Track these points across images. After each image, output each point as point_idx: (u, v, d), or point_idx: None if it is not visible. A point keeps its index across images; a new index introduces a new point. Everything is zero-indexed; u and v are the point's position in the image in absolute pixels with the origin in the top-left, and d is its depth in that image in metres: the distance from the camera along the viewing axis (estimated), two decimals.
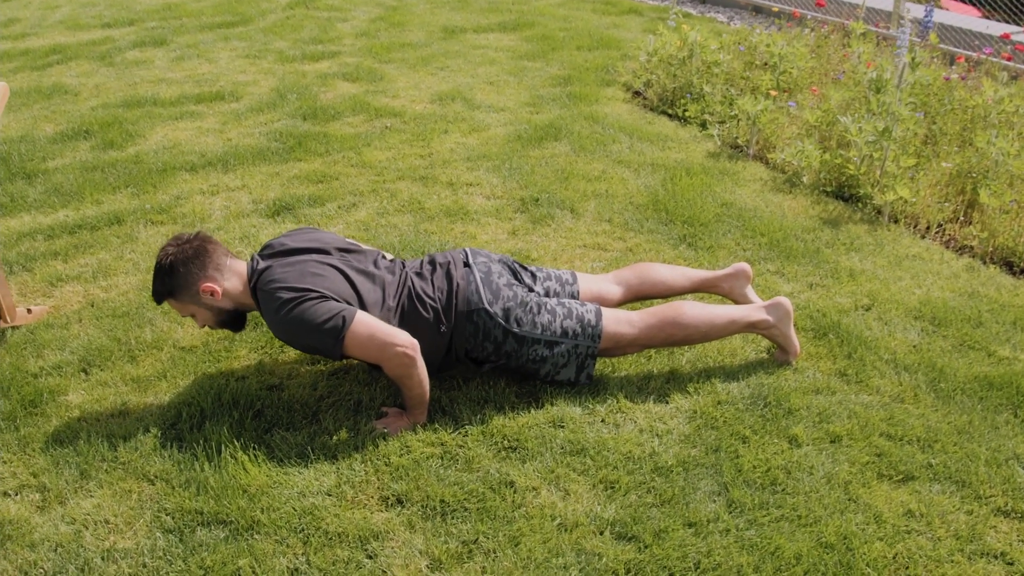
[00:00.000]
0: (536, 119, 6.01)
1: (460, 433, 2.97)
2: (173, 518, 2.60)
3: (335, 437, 2.93)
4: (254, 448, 2.84)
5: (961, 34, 7.75)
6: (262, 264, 2.99)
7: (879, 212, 4.71)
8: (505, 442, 2.93)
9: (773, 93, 5.94)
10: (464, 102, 6.34)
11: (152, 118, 5.83)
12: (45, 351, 3.42)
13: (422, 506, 2.66)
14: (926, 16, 6.10)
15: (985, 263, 4.24)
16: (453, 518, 2.62)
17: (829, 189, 4.98)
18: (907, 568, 2.49)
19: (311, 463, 2.81)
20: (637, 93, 6.72)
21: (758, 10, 9.35)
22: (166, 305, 3.67)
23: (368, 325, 2.84)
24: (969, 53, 7.10)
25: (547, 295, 3.28)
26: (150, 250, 4.13)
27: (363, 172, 5.08)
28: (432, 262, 3.19)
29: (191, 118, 5.91)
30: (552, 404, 3.11)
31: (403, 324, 3.01)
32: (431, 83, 6.78)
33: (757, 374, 3.31)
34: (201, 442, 2.86)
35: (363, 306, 2.96)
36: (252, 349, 3.42)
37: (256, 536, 2.54)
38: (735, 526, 2.62)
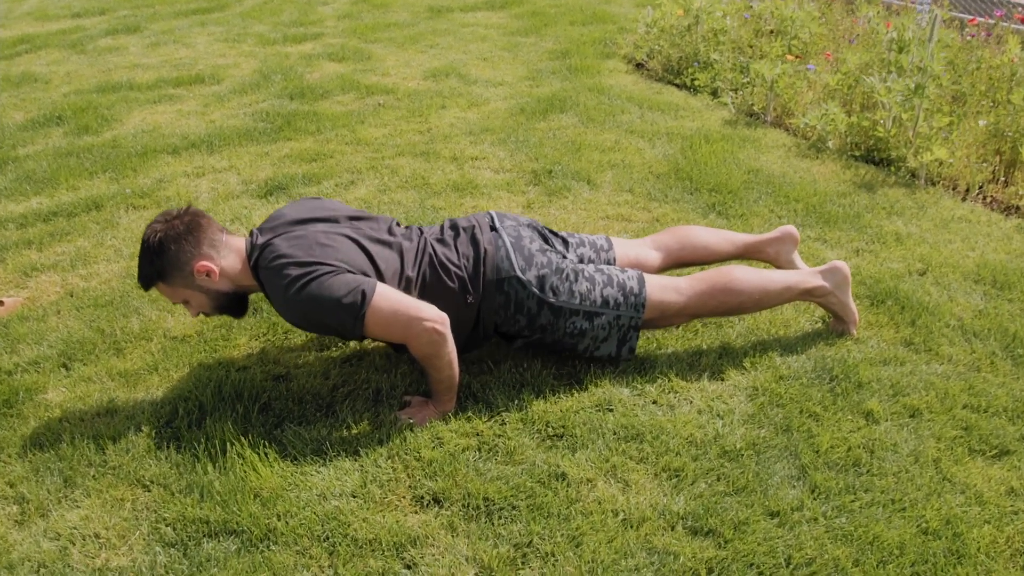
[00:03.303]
0: (537, 92, 5.67)
1: (497, 421, 2.62)
2: (174, 529, 2.23)
3: (355, 431, 2.58)
4: (264, 446, 2.49)
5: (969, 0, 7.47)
6: (263, 239, 2.62)
7: (914, 175, 4.40)
8: (549, 429, 2.59)
9: (789, 58, 5.62)
10: (459, 78, 5.99)
11: (128, 102, 5.44)
12: (20, 346, 3.04)
13: (463, 505, 2.32)
14: None
15: None
16: (500, 518, 2.28)
17: (857, 154, 4.67)
18: (1022, 553, 2.17)
19: (330, 461, 2.46)
20: (639, 65, 6.39)
21: None
22: (155, 292, 3.30)
23: (391, 299, 2.48)
24: (980, 19, 6.81)
25: (581, 262, 2.94)
26: (133, 235, 3.76)
27: (359, 149, 4.72)
28: (454, 227, 2.82)
29: (170, 101, 5.53)
30: (596, 385, 2.77)
31: (425, 296, 2.65)
32: (422, 60, 6.43)
33: (817, 345, 2.98)
34: (202, 441, 2.50)
35: (380, 278, 2.60)
36: (253, 336, 3.06)
37: (273, 547, 2.18)
38: (822, 514, 2.29)
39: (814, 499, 2.34)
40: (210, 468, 2.39)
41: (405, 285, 2.64)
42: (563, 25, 7.41)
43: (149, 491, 2.36)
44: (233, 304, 2.69)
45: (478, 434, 2.57)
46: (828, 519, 2.28)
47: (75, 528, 2.25)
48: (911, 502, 2.33)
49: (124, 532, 2.24)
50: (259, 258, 2.57)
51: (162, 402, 2.70)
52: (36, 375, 2.87)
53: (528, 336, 2.79)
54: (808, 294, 2.99)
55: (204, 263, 2.58)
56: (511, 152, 4.65)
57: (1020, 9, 6.75)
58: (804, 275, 3.00)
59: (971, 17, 6.57)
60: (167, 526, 2.24)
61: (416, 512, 2.31)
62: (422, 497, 2.35)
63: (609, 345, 2.82)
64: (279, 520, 2.24)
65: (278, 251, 2.54)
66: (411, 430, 2.56)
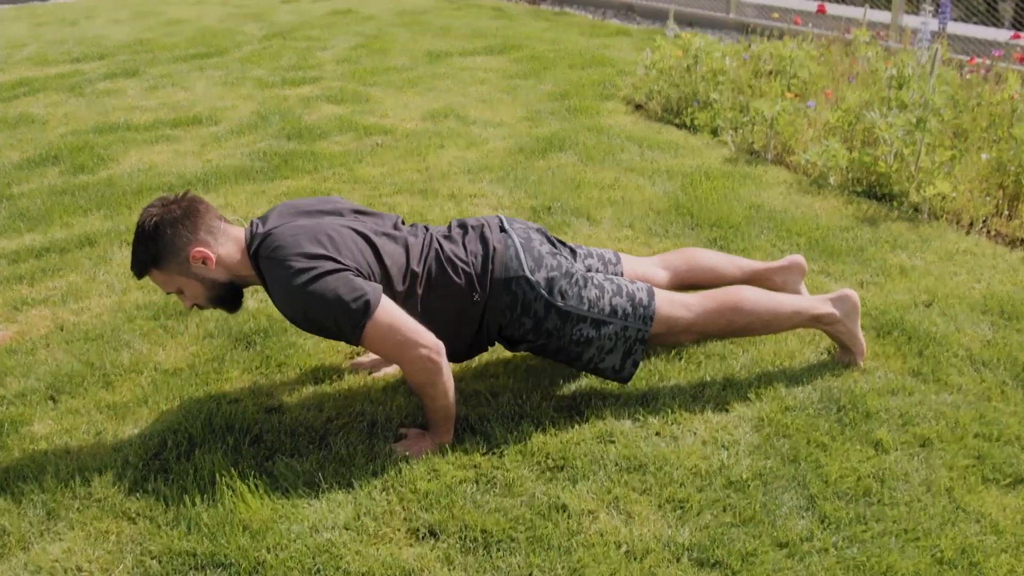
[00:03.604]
0: (536, 132, 5.64)
1: (495, 453, 2.55)
2: (160, 562, 2.15)
3: (349, 463, 2.50)
4: (254, 477, 2.41)
5: (967, 42, 7.50)
6: (264, 228, 2.53)
7: (917, 209, 4.35)
8: (549, 461, 2.51)
9: (788, 95, 5.61)
10: (457, 119, 5.97)
11: (125, 143, 5.42)
12: (7, 379, 2.96)
13: (460, 538, 2.23)
14: (942, 10, 5.81)
15: None
16: (499, 550, 2.20)
17: (859, 189, 4.63)
18: None
19: (323, 493, 2.37)
20: (639, 106, 6.38)
21: (745, 28, 9.09)
22: (147, 326, 3.23)
23: (391, 315, 2.41)
24: (979, 60, 6.83)
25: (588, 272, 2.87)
26: (126, 271, 3.70)
27: (357, 187, 4.68)
28: (463, 225, 2.76)
29: (167, 141, 5.51)
30: (597, 417, 2.70)
31: (430, 292, 2.58)
32: (420, 103, 6.42)
33: (823, 376, 2.92)
34: (191, 473, 2.42)
35: (386, 273, 2.52)
36: (245, 370, 2.99)
37: None
38: (833, 544, 2.20)
39: (824, 529, 2.26)
40: (198, 500, 2.31)
41: (411, 280, 2.56)
42: (562, 69, 7.42)
43: (135, 523, 2.28)
44: (228, 296, 2.59)
45: (475, 466, 2.49)
46: (839, 549, 2.19)
47: (56, 561, 2.17)
48: (924, 531, 2.24)
49: (107, 565, 2.15)
50: (260, 247, 2.48)
51: (150, 434, 2.62)
52: (22, 407, 2.80)
53: (532, 341, 2.71)
54: (817, 320, 2.93)
55: (200, 249, 2.49)
56: (510, 190, 4.61)
57: (1019, 49, 6.77)
58: (814, 301, 2.94)
59: (970, 57, 6.58)
60: (152, 559, 2.16)
61: (411, 545, 2.23)
62: (417, 529, 2.26)
63: (614, 357, 2.75)
64: (268, 553, 2.15)
65: (281, 241, 2.45)
66: (407, 462, 2.49)
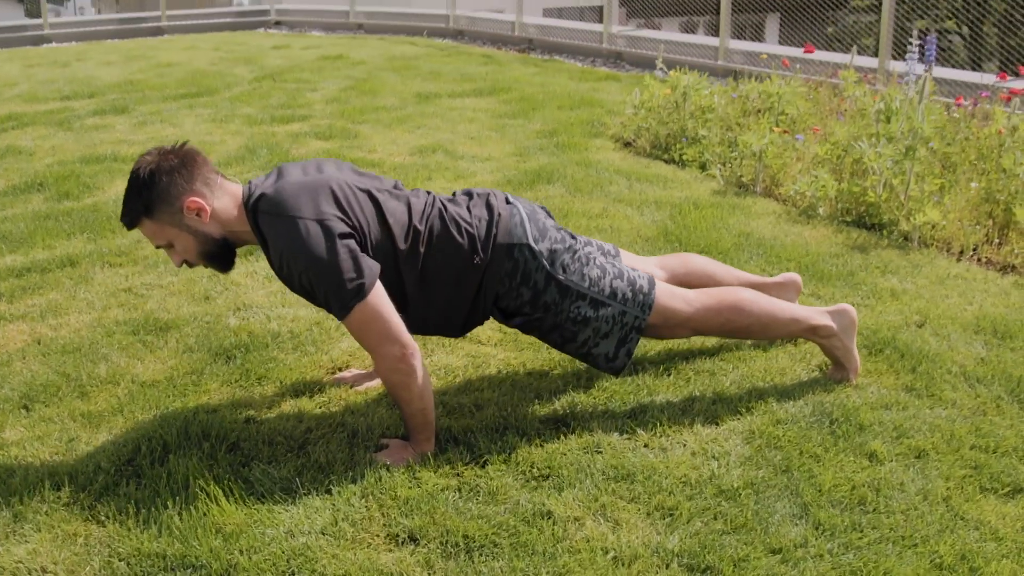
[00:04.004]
0: (524, 166, 5.63)
1: (478, 463, 2.48)
2: (128, 564, 2.06)
3: (328, 470, 2.42)
4: (229, 482, 2.33)
5: (953, 85, 7.56)
6: (265, 183, 2.46)
7: (907, 238, 4.33)
8: (534, 471, 2.44)
9: (776, 130, 5.62)
10: (446, 154, 5.96)
11: (112, 172, 5.38)
12: None
13: (441, 543, 2.15)
14: (928, 46, 5.84)
15: None
16: (481, 555, 2.12)
17: (849, 219, 4.61)
18: None
19: (300, 499, 2.30)
20: (627, 144, 6.38)
21: (734, 74, 9.17)
22: (125, 340, 3.16)
23: (380, 305, 2.37)
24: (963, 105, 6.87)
25: None
26: (107, 290, 3.64)
27: None
28: (468, 193, 2.71)
29: None
30: (584, 429, 2.63)
31: (431, 252, 2.52)
32: (409, 139, 6.42)
33: (814, 392, 2.86)
34: (164, 477, 2.34)
35: (388, 230, 2.45)
36: (224, 383, 2.92)
37: None
38: (828, 551, 2.13)
39: (819, 536, 2.19)
40: (170, 503, 2.23)
41: (413, 238, 2.50)
42: (551, 109, 7.44)
43: (103, 526, 2.19)
44: (220, 253, 2.50)
45: (458, 475, 2.42)
46: (834, 556, 2.12)
47: (20, 562, 2.07)
48: (922, 538, 2.18)
49: (74, 567, 2.06)
50: (259, 202, 2.40)
51: (124, 441, 2.54)
52: None
53: (528, 315, 2.64)
54: (813, 331, 2.88)
55: (196, 199, 2.41)
56: None
57: (1005, 90, 6.81)
58: (812, 312, 2.90)
59: (957, 96, 6.62)
60: (121, 560, 2.07)
61: (391, 550, 2.14)
62: (397, 535, 2.18)
63: (609, 343, 2.69)
64: (242, 555, 2.07)
65: (283, 197, 2.37)
66: (387, 470, 2.41)
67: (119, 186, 5.12)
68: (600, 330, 2.66)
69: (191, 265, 2.54)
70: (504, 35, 12.06)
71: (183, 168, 2.42)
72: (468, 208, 2.62)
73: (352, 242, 2.36)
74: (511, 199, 2.71)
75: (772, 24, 16.78)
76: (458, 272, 2.55)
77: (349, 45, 11.89)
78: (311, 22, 14.64)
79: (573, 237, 2.80)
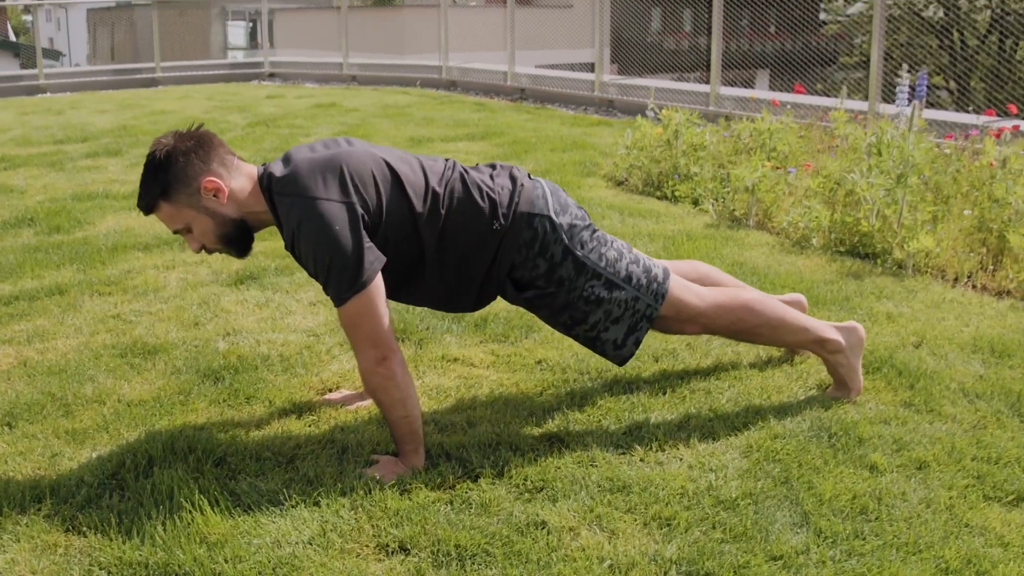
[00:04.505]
0: None
1: (471, 477, 2.42)
2: (109, 573, 2.00)
3: (316, 483, 2.36)
4: (215, 493, 2.27)
5: (942, 125, 7.61)
6: (280, 163, 2.44)
7: (901, 266, 4.31)
8: (528, 483, 2.39)
9: (768, 164, 5.63)
10: None
11: (103, 208, 5.36)
12: None
13: (432, 552, 2.10)
14: (919, 83, 5.89)
15: None
16: (474, 563, 2.06)
17: (842, 249, 4.60)
18: None
19: (287, 510, 2.24)
20: (620, 182, 6.39)
21: (726, 118, 9.23)
22: (113, 363, 3.11)
23: (372, 305, 2.35)
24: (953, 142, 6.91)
25: None
26: (96, 317, 3.60)
27: None
28: (491, 165, 2.69)
29: None
30: (579, 444, 2.58)
31: (452, 215, 2.49)
32: None
33: (812, 408, 2.82)
34: (148, 489, 2.28)
35: (405, 196, 2.44)
36: (212, 402, 2.87)
37: None
38: (830, 558, 2.08)
39: (820, 544, 2.13)
40: (154, 513, 2.17)
41: (432, 201, 2.47)
42: (544, 151, 7.47)
43: (85, 537, 2.12)
44: (238, 236, 2.47)
45: (451, 488, 2.37)
46: (837, 562, 2.06)
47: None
48: (927, 544, 2.12)
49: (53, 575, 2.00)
50: (275, 182, 2.39)
51: (108, 456, 2.49)
52: None
53: (542, 288, 2.60)
54: (821, 344, 2.84)
55: (213, 179, 2.39)
56: None
57: (995, 128, 6.86)
58: (822, 324, 2.87)
59: (948, 133, 6.65)
60: (101, 569, 2.00)
61: (380, 560, 2.08)
62: (387, 545, 2.12)
63: (619, 329, 2.65)
64: (226, 564, 2.01)
65: (298, 177, 2.36)
66: (377, 484, 2.35)
67: (110, 221, 5.11)
68: (611, 313, 2.62)
69: (209, 251, 2.52)
70: (497, 85, 12.16)
71: (199, 149, 2.40)
72: (491, 176, 2.60)
73: (360, 229, 2.34)
74: (533, 177, 2.70)
75: (762, 80, 16.96)
76: (477, 236, 2.51)
77: (343, 95, 11.98)
78: (305, 74, 14.77)
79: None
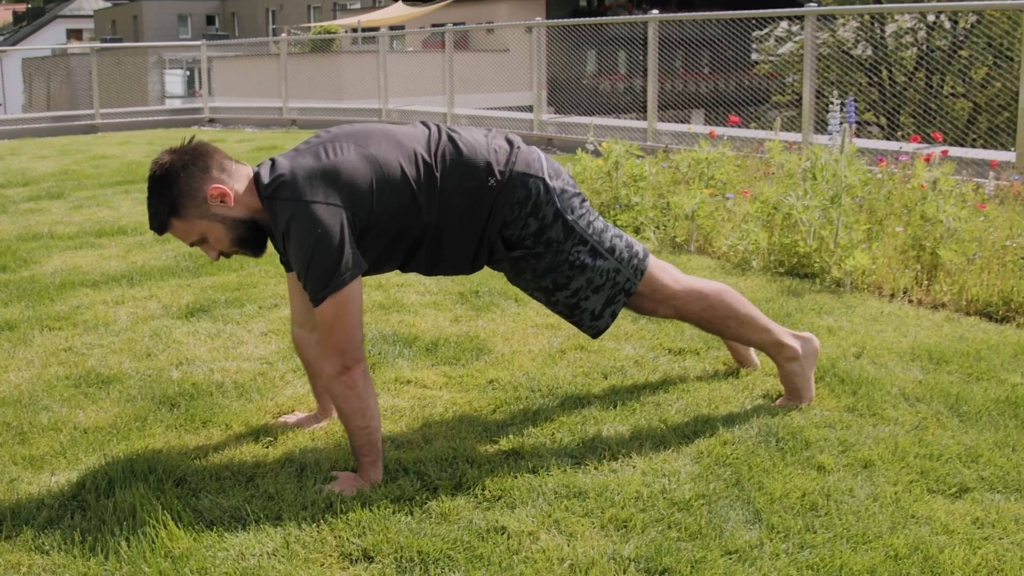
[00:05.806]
0: None
1: (429, 490, 2.46)
2: None
3: (278, 499, 2.39)
4: (177, 509, 2.28)
5: (875, 153, 7.85)
6: (272, 166, 2.47)
7: (839, 284, 4.45)
8: (486, 493, 2.43)
9: (707, 191, 5.77)
10: None
11: (49, 249, 5.33)
12: None
13: (396, 559, 2.13)
14: (848, 108, 6.10)
15: (961, 316, 3.98)
16: (438, 567, 2.09)
17: (782, 270, 4.74)
18: (1000, 571, 2.05)
19: (249, 525, 2.26)
20: None
21: (664, 151, 9.44)
22: (67, 392, 3.10)
23: (345, 311, 2.40)
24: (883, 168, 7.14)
25: None
26: (47, 350, 3.57)
27: (284, 280, 4.63)
28: (485, 129, 2.75)
29: (92, 247, 5.43)
30: (535, 456, 2.64)
31: (447, 176, 2.54)
32: None
33: (759, 416, 2.90)
34: (110, 508, 2.29)
35: (394, 174, 2.48)
36: (169, 427, 2.87)
37: None
38: (783, 550, 2.15)
39: (773, 537, 2.20)
40: (117, 530, 2.18)
41: (425, 169, 2.52)
42: None
43: (48, 555, 2.12)
44: (251, 236, 2.51)
45: (410, 499, 2.40)
46: (790, 554, 2.14)
47: None
48: (875, 535, 2.21)
49: None
50: (267, 187, 2.42)
51: (68, 480, 2.48)
52: None
53: (530, 248, 2.65)
54: (779, 348, 2.94)
55: (217, 186, 2.43)
56: (436, 279, 4.61)
57: (925, 153, 7.10)
58: (783, 330, 2.99)
59: (880, 157, 6.87)
60: None
61: (344, 568, 2.11)
62: (350, 553, 2.15)
63: (598, 299, 2.73)
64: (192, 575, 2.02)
65: (291, 182, 2.40)
66: (338, 498, 2.38)
67: (56, 261, 5.08)
68: (593, 281, 2.69)
69: (227, 256, 2.57)
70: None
71: (197, 160, 2.45)
72: (485, 137, 2.65)
73: (346, 233, 2.39)
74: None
75: (697, 119, 17.30)
76: (473, 194, 2.56)
77: (284, 138, 12.02)
78: (244, 119, 14.79)
79: None
